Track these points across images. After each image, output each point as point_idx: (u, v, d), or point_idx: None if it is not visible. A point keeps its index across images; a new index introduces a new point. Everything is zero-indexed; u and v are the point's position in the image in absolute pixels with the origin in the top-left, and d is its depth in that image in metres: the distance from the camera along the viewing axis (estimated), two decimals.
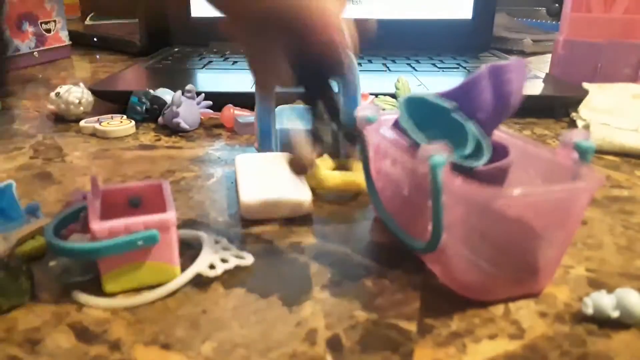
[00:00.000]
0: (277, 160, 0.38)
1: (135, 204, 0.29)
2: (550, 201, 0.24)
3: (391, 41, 0.82)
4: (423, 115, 0.27)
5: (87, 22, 1.28)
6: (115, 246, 0.24)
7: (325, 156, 0.38)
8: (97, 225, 0.24)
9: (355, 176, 0.36)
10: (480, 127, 0.27)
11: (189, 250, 0.28)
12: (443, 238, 0.24)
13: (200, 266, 0.26)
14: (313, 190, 0.35)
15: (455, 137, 0.25)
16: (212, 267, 0.27)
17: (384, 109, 0.48)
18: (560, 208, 0.24)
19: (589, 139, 0.25)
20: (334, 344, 0.22)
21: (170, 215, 0.25)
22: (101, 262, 0.25)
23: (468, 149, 0.25)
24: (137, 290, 0.25)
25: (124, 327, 0.23)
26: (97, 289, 0.25)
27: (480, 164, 0.25)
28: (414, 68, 0.71)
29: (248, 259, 0.27)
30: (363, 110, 0.30)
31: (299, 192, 0.33)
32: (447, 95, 0.27)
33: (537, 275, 0.25)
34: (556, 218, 0.24)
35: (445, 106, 0.27)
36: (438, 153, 0.22)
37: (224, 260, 0.27)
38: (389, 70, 0.70)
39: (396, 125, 0.29)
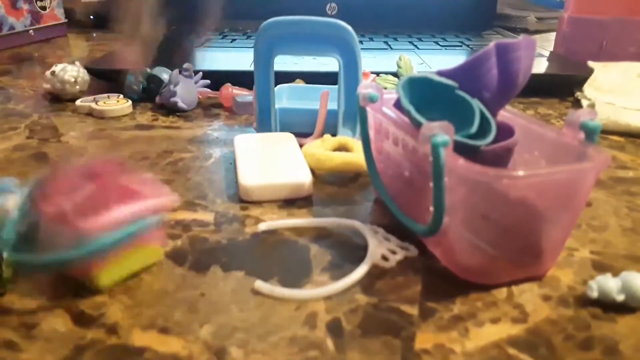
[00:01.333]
0: (277, 141, 0.38)
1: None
2: (556, 182, 0.23)
3: (393, 19, 0.81)
4: (425, 95, 0.26)
5: None
6: (117, 241, 0.23)
7: (326, 136, 0.38)
8: (85, 225, 0.22)
9: (356, 157, 0.35)
10: (485, 107, 0.26)
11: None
12: (445, 221, 0.23)
13: (374, 258, 0.26)
14: (313, 171, 0.35)
15: (460, 116, 0.25)
16: (385, 258, 0.26)
17: (385, 88, 0.47)
18: (565, 189, 0.23)
19: (595, 118, 0.24)
20: (334, 327, 0.22)
21: (169, 199, 0.25)
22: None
23: (474, 127, 0.24)
24: (133, 278, 0.25)
25: (121, 311, 0.23)
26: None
27: (486, 142, 0.25)
28: (416, 46, 0.70)
29: (413, 251, 0.27)
30: (365, 88, 0.29)
31: (299, 174, 0.33)
32: (451, 73, 0.26)
33: (540, 258, 0.25)
34: (561, 199, 0.24)
35: (450, 84, 0.26)
36: (440, 132, 0.22)
37: (392, 252, 0.27)
38: (391, 48, 0.68)
39: (397, 104, 0.28)
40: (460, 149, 0.23)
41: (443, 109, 0.26)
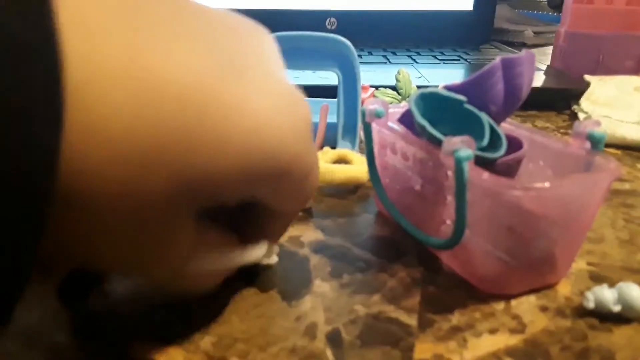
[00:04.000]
0: None
1: None
2: (576, 191, 0.24)
3: (391, 33, 0.82)
4: (435, 109, 0.26)
5: None
6: None
7: (326, 149, 0.38)
8: None
9: (356, 169, 0.35)
10: (492, 120, 0.27)
11: None
12: (465, 233, 0.23)
13: None
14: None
15: (469, 130, 0.25)
16: None
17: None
18: (583, 197, 0.24)
19: (600, 128, 0.25)
20: (334, 338, 0.22)
21: None
22: None
23: (485, 141, 0.25)
24: None
25: (122, 322, 0.23)
26: None
27: (500, 154, 0.25)
28: (414, 60, 0.71)
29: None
30: (371, 104, 0.29)
31: None
32: (459, 87, 0.27)
33: (557, 266, 0.26)
34: (579, 207, 0.24)
35: (459, 98, 0.26)
36: (463, 146, 0.22)
37: None
38: (390, 62, 0.69)
39: (403, 119, 0.29)
40: (476, 162, 0.23)
41: (452, 123, 0.26)
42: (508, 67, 0.26)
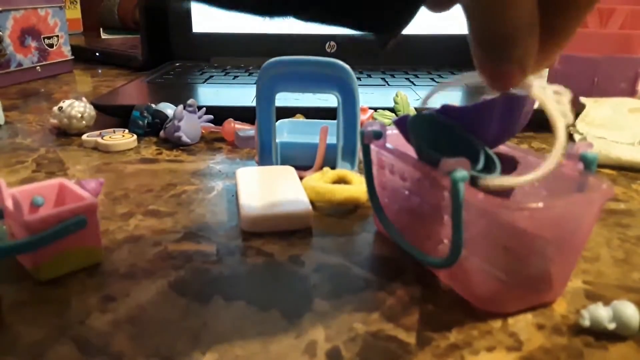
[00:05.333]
0: (277, 174, 0.39)
1: (38, 203, 0.30)
2: (571, 211, 0.24)
3: (390, 55, 0.83)
4: (429, 132, 0.27)
5: (103, 36, 1.30)
6: (51, 235, 0.27)
7: (325, 169, 0.39)
8: (31, 217, 0.26)
9: (355, 189, 0.36)
10: (486, 145, 0.27)
11: None
12: (462, 253, 0.24)
13: None
14: (313, 203, 0.36)
15: (463, 154, 0.26)
16: None
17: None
18: (577, 217, 0.25)
19: (592, 150, 0.25)
20: (333, 356, 0.22)
21: (94, 200, 0.28)
22: (35, 253, 0.27)
23: (480, 165, 0.25)
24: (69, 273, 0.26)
25: (126, 340, 0.23)
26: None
27: (495, 177, 0.26)
28: (412, 82, 0.72)
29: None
30: (370, 126, 0.30)
31: (299, 206, 0.34)
32: (456, 110, 0.27)
33: (552, 284, 0.26)
34: (573, 227, 0.25)
35: (453, 124, 0.27)
36: (459, 168, 0.23)
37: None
38: (388, 84, 0.71)
39: (399, 123, 0.29)
40: (472, 183, 0.24)
41: (448, 146, 0.27)
42: (510, 104, 0.26)
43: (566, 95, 0.24)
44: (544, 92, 0.24)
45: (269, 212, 0.33)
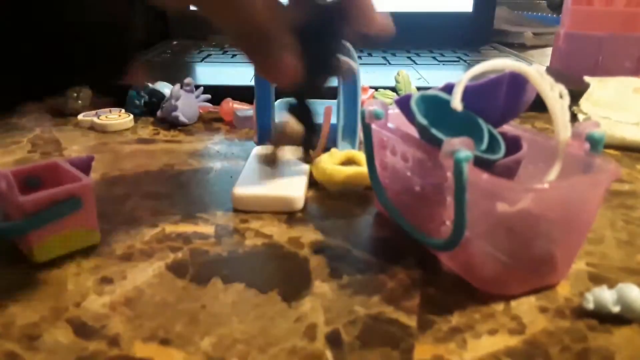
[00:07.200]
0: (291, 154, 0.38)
1: (33, 184, 0.29)
2: (576, 192, 0.24)
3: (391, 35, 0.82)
4: (433, 111, 0.26)
5: None
6: (45, 217, 0.26)
7: (333, 150, 0.38)
8: (24, 198, 0.26)
9: (363, 169, 0.35)
10: (490, 124, 0.26)
11: None
12: (465, 234, 0.23)
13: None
14: (318, 184, 0.35)
15: (466, 134, 0.25)
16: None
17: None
18: (583, 198, 0.24)
19: (599, 129, 0.25)
20: (333, 339, 0.22)
21: (89, 181, 0.28)
22: (30, 235, 0.26)
23: (484, 145, 0.25)
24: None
25: (122, 323, 0.23)
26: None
27: (499, 156, 0.25)
28: (414, 61, 0.71)
29: None
30: (371, 105, 0.30)
31: (292, 189, 0.33)
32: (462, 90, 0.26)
33: (557, 267, 0.26)
34: (578, 209, 0.24)
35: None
36: (462, 147, 0.22)
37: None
38: (389, 63, 0.69)
39: (400, 103, 0.28)
40: (475, 163, 0.23)
41: (451, 126, 0.26)
42: (516, 82, 0.26)
43: (565, 96, 0.24)
44: (542, 78, 0.23)
45: (259, 193, 0.33)
